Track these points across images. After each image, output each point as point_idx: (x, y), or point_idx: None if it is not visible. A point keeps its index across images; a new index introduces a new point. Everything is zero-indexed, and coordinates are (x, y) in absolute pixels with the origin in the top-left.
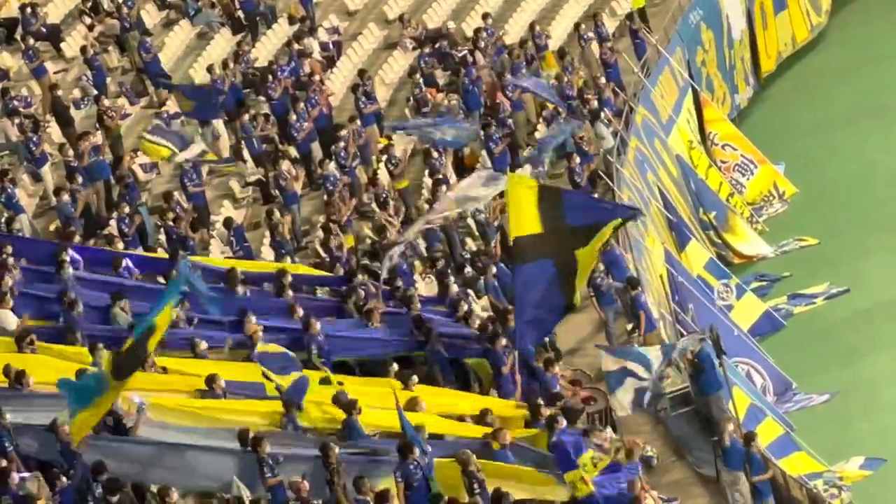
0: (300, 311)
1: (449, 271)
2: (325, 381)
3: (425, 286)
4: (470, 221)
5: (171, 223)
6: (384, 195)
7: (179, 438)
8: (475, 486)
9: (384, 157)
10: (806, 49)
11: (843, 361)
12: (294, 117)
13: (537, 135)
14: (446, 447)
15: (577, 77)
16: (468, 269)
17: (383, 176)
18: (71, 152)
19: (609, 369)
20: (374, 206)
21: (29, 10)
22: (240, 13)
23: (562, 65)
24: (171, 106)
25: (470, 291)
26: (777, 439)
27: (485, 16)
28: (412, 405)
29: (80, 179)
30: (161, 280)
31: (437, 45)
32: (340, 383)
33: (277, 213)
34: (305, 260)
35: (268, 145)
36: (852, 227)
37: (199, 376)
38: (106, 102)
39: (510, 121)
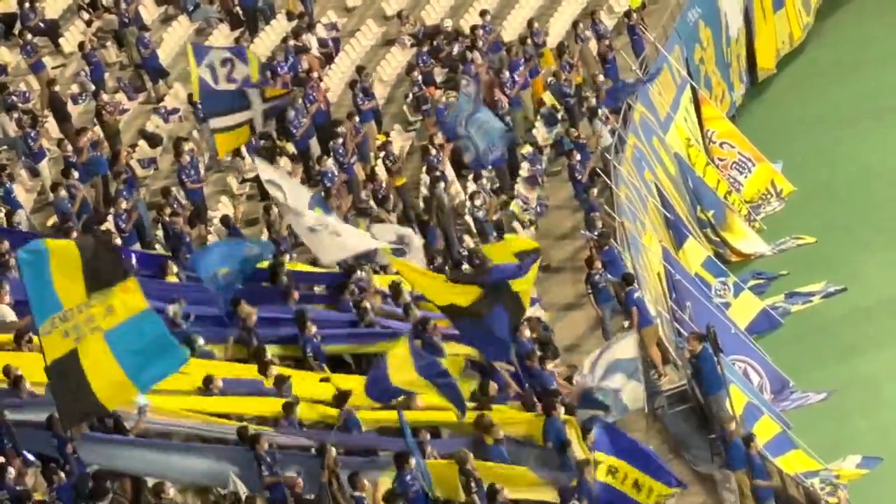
0: (296, 295)
1: (447, 268)
2: (325, 381)
3: None
4: (468, 219)
5: (167, 218)
6: (382, 192)
7: (179, 434)
8: (472, 484)
9: (382, 154)
10: (802, 48)
11: (840, 359)
12: (292, 113)
13: (535, 132)
14: (443, 446)
15: (575, 74)
16: (465, 266)
17: (381, 172)
18: (69, 148)
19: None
20: (371, 202)
21: (27, 5)
22: (238, 9)
23: (560, 62)
24: (170, 101)
25: None
26: (774, 437)
27: (482, 13)
28: (407, 403)
29: (76, 175)
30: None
31: (434, 43)
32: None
33: (275, 210)
34: (303, 256)
35: (265, 141)
36: (850, 225)
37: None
38: (104, 98)
39: (508, 118)
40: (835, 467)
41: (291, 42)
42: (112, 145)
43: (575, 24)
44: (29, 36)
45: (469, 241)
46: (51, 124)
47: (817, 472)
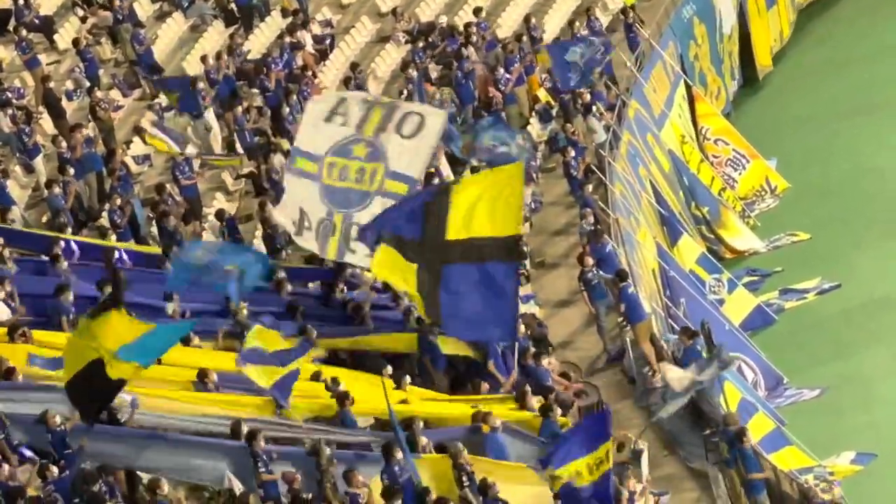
0: (288, 287)
1: None
2: (315, 377)
3: None
4: None
5: (162, 215)
6: None
7: (173, 427)
8: (465, 478)
9: None
10: (794, 45)
11: (834, 356)
12: (287, 110)
13: (530, 128)
14: (438, 436)
15: None
16: None
17: None
18: (64, 144)
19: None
20: None
21: (22, 1)
22: (233, 6)
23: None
24: (164, 98)
25: None
26: (768, 434)
27: (477, 10)
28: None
29: (71, 171)
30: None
31: (429, 40)
32: (335, 379)
33: (269, 206)
34: (297, 253)
35: (260, 138)
36: (844, 222)
37: (192, 368)
38: (98, 94)
39: (503, 114)
40: (829, 464)
41: (286, 39)
42: (107, 142)
43: (570, 22)
44: (24, 32)
45: None
46: (45, 121)
47: (811, 469)
